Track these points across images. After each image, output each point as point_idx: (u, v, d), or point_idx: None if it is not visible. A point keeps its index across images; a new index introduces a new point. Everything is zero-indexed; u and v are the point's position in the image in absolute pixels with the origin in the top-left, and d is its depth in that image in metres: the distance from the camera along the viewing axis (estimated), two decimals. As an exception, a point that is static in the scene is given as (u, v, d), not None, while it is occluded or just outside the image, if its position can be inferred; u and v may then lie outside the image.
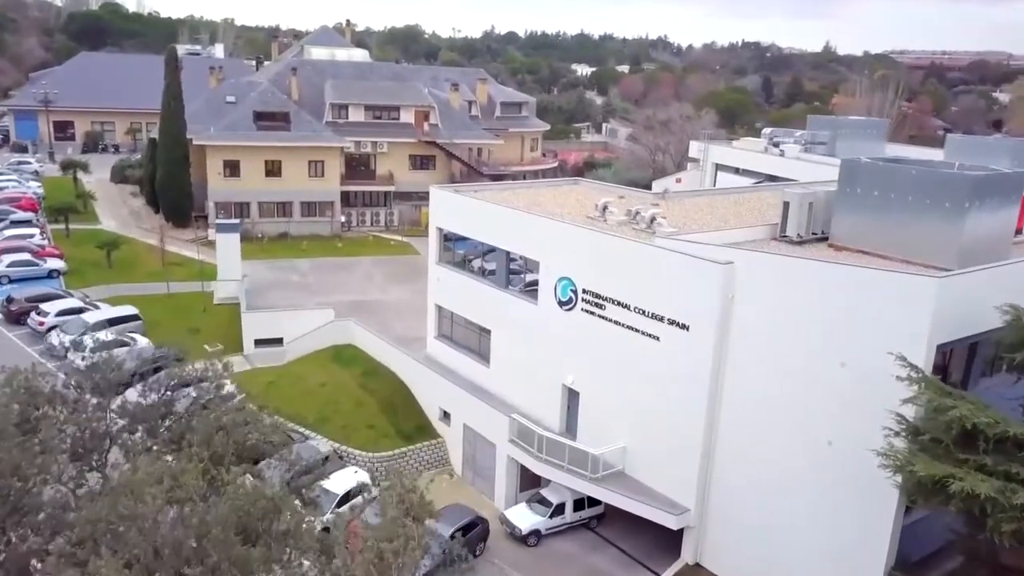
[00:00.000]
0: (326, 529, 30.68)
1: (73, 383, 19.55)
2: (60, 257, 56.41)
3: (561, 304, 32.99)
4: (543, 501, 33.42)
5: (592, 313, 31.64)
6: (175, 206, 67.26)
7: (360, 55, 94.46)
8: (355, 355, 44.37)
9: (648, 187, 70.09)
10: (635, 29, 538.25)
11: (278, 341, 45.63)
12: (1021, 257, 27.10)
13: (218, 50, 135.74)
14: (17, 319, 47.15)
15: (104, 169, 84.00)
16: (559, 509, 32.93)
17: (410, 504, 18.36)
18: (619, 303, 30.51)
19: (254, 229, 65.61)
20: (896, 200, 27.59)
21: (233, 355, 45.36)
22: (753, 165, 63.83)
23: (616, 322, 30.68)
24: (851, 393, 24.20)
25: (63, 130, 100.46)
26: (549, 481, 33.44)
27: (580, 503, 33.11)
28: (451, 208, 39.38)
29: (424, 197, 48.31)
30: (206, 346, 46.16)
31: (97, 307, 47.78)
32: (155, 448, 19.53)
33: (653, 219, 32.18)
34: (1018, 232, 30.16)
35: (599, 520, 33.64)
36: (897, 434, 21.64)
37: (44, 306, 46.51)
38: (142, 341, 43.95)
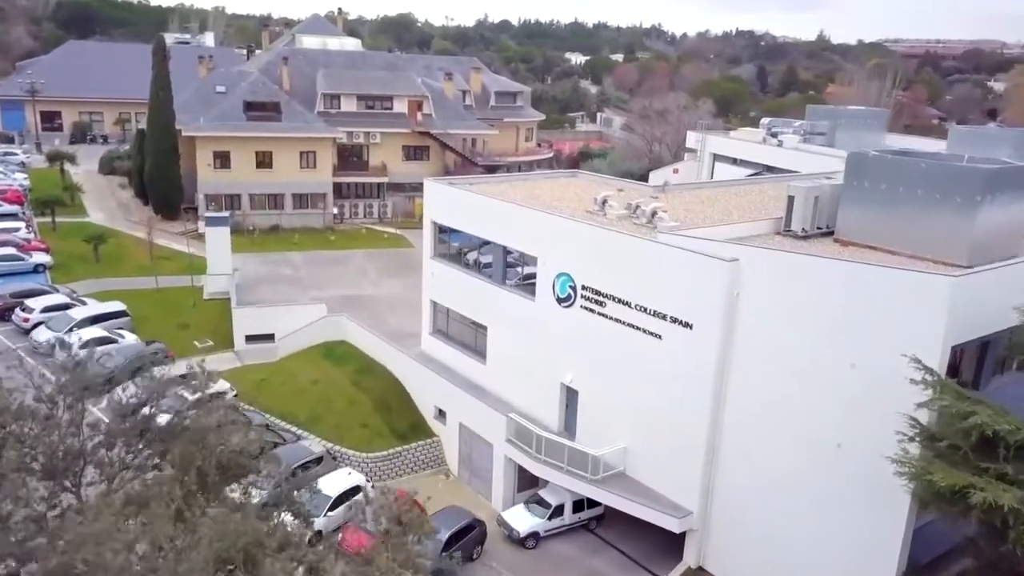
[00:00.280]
0: (319, 533, 30.17)
1: (45, 396, 18.52)
2: (46, 251, 55.20)
3: (560, 301, 32.16)
4: (541, 502, 32.67)
5: (592, 310, 30.81)
6: (164, 198, 66.10)
7: (352, 44, 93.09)
8: (348, 352, 43.50)
9: (644, 178, 69.52)
10: (629, 17, 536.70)
11: (269, 337, 44.68)
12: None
13: (208, 39, 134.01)
14: (1, 315, 46.05)
15: (92, 160, 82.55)
16: (558, 510, 32.18)
17: (407, 523, 17.48)
18: (620, 300, 29.69)
19: (245, 222, 64.51)
20: (905, 194, 26.81)
21: (224, 351, 44.59)
22: (751, 156, 63.19)
23: (616, 320, 29.86)
24: (861, 395, 23.44)
25: (50, 120, 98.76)
26: (547, 481, 32.67)
27: (579, 504, 32.37)
28: (446, 201, 38.46)
29: (418, 188, 47.56)
30: (196, 342, 45.25)
31: (84, 303, 46.65)
32: (135, 461, 18.54)
33: (654, 213, 31.38)
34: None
35: (599, 521, 32.92)
36: (911, 439, 20.87)
37: (29, 302, 45.32)
38: (130, 338, 42.98)
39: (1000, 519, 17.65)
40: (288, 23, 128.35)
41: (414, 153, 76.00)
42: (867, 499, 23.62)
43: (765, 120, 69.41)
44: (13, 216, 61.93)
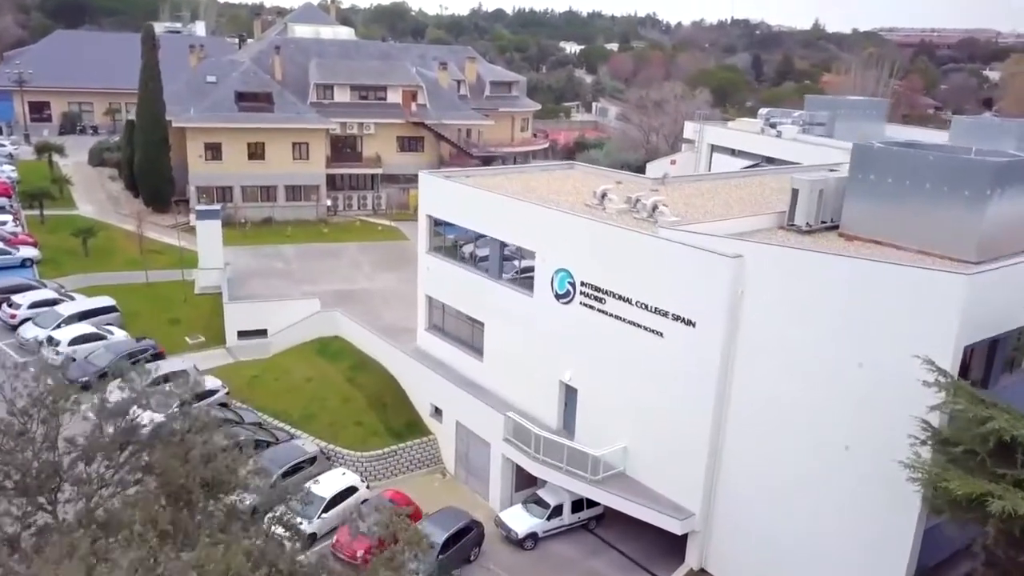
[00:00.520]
0: (313, 536, 29.53)
1: (17, 411, 17.67)
2: (34, 245, 54.26)
3: (558, 297, 31.46)
4: (540, 502, 32.04)
5: (591, 307, 30.12)
6: (155, 190, 65.13)
7: (345, 33, 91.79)
8: (342, 348, 42.76)
9: (641, 168, 68.81)
10: (623, 6, 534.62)
11: (262, 333, 43.97)
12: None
13: (199, 28, 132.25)
14: (-12, 311, 45.13)
15: (82, 151, 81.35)
16: (557, 510, 31.56)
17: (403, 537, 16.78)
18: (620, 297, 28.99)
19: (237, 214, 63.61)
20: (912, 187, 26.07)
21: (215, 348, 43.87)
22: (750, 147, 62.38)
23: (617, 317, 29.18)
24: (869, 395, 22.81)
25: (39, 111, 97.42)
26: (546, 481, 32.03)
27: (579, 504, 31.74)
28: (441, 195, 37.67)
29: (412, 180, 46.63)
30: (187, 338, 44.51)
31: (72, 298, 45.76)
32: (116, 477, 17.70)
33: (655, 207, 30.66)
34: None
35: (598, 521, 32.32)
36: (923, 442, 20.24)
37: (16, 297, 44.37)
38: (119, 334, 42.21)
39: (1019, 528, 17.05)
40: (280, 12, 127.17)
41: (408, 144, 75.02)
42: (876, 503, 23.01)
43: (763, 110, 68.56)
44: (0, 209, 60.91)
